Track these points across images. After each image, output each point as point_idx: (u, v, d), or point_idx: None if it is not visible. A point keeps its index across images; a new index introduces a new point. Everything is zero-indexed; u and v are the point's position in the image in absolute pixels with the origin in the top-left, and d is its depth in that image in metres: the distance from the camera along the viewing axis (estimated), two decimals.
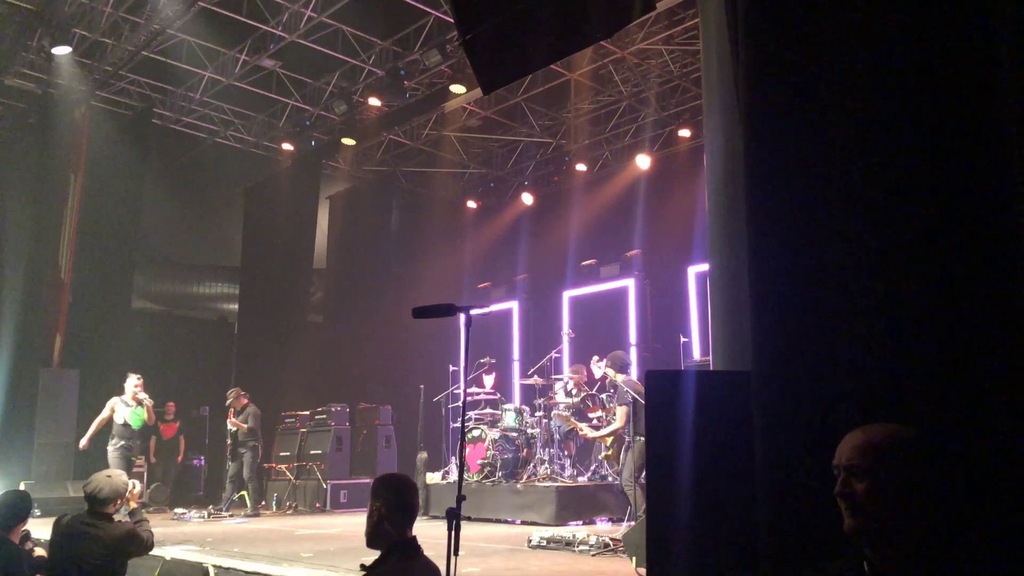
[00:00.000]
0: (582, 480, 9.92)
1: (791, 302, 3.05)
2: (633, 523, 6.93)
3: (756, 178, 3.27)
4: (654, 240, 13.05)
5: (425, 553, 3.28)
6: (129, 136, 13.16)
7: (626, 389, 8.37)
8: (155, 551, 6.25)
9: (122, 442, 10.20)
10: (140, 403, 10.34)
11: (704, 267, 11.81)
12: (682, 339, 11.19)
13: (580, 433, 9.52)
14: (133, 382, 10.40)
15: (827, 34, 3.21)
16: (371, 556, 3.27)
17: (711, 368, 9.07)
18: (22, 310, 11.89)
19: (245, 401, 11.90)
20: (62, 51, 11.29)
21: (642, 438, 7.98)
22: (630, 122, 14.37)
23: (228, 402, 11.93)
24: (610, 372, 8.66)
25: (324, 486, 12.34)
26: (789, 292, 3.06)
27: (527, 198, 15.56)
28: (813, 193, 3.06)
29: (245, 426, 11.62)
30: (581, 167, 14.80)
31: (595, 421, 9.64)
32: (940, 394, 2.68)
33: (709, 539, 3.29)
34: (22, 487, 9.59)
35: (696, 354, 10.96)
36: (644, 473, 7.87)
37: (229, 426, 11.79)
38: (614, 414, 8.81)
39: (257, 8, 11.42)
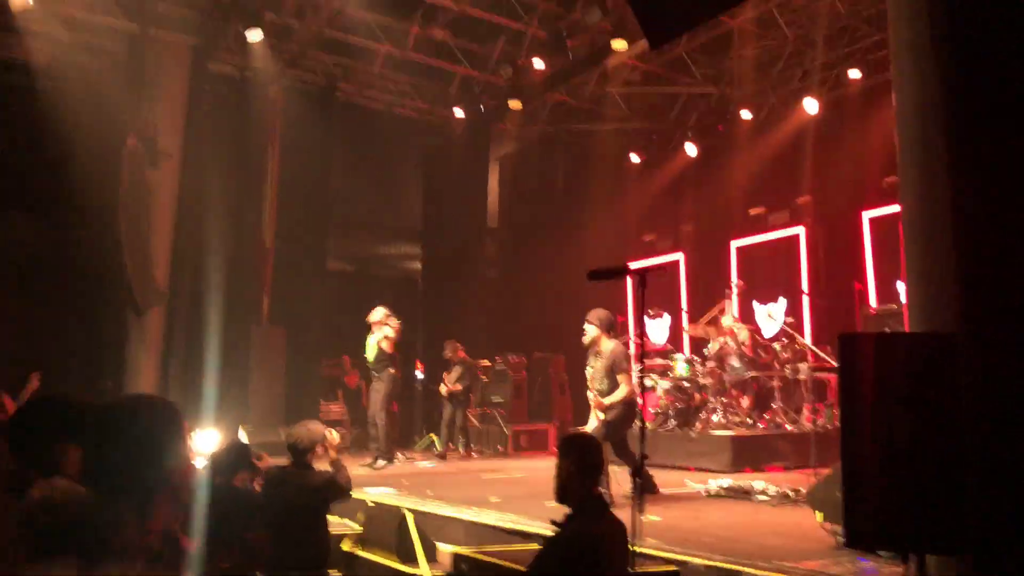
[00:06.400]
0: (757, 427, 9.59)
1: (1005, 260, 2.67)
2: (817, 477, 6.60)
3: (962, 122, 2.87)
4: (825, 185, 12.19)
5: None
6: (316, 111, 13.60)
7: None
8: (357, 494, 6.54)
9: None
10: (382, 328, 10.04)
11: (879, 211, 11.01)
12: (856, 286, 10.52)
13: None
14: (381, 312, 10.16)
15: None
16: (550, 499, 3.38)
17: (894, 315, 8.47)
18: (233, 275, 12.61)
19: (463, 354, 12.11)
20: (254, 35, 11.65)
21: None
22: (796, 66, 13.43)
23: (446, 355, 12.12)
24: (593, 330, 6.91)
25: (506, 431, 12.54)
26: (1003, 250, 2.68)
27: (691, 149, 14.93)
28: None
29: (460, 387, 11.81)
30: (746, 114, 13.99)
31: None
32: None
33: (910, 504, 3.00)
34: (240, 433, 10.26)
35: (873, 301, 10.27)
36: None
37: (444, 385, 11.89)
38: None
39: None
